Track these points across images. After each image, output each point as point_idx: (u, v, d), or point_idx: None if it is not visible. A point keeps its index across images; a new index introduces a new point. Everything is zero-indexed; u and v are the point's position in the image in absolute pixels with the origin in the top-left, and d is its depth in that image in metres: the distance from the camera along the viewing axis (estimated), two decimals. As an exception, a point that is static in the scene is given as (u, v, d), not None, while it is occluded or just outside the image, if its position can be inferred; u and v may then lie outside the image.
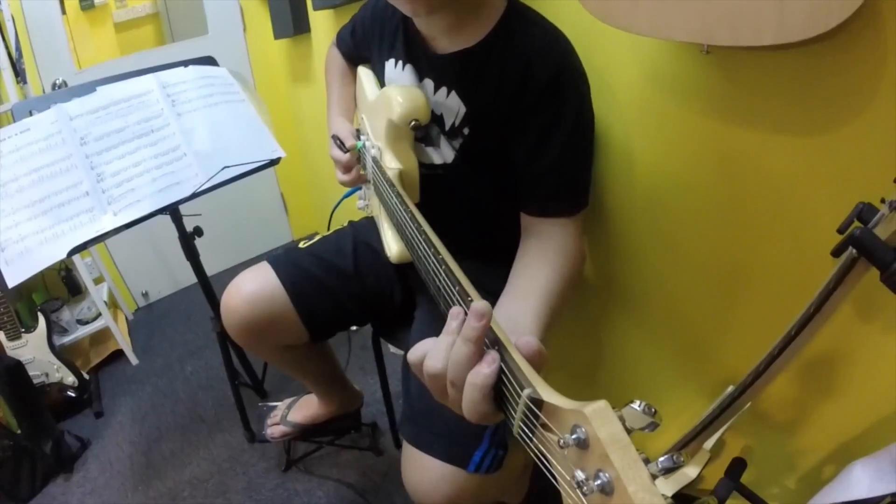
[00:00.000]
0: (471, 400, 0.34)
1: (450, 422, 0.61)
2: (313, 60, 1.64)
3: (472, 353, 0.34)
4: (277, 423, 1.13)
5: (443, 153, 0.68)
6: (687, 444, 0.59)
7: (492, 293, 0.54)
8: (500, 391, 0.34)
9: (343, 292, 0.81)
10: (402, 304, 0.84)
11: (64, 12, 1.54)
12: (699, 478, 0.65)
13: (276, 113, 1.13)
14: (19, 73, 1.41)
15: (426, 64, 0.66)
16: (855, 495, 0.42)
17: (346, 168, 0.76)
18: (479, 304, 0.34)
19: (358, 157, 0.77)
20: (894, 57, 0.41)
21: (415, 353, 0.39)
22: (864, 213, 0.40)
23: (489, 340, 0.35)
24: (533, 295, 0.53)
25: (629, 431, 0.24)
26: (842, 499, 0.43)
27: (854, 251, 0.38)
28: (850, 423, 0.56)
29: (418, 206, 0.54)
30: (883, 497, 0.40)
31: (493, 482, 0.61)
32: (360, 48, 0.82)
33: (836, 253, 0.40)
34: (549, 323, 0.51)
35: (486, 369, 0.33)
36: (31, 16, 1.46)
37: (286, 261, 0.81)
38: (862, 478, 0.42)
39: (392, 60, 0.71)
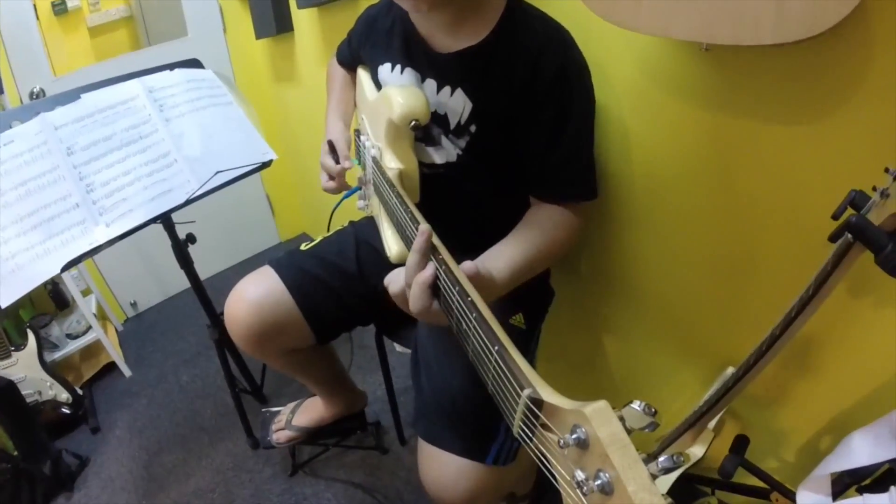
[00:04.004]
0: (413, 295, 0.46)
1: (464, 416, 0.62)
2: (297, 60, 1.62)
3: (418, 259, 0.46)
4: (282, 428, 1.13)
5: (445, 152, 0.68)
6: (693, 425, 0.62)
7: None
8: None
9: (348, 293, 0.81)
10: None
11: (37, 18, 1.48)
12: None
13: (260, 114, 1.11)
14: (-7, 83, 1.36)
15: (427, 64, 0.66)
16: (856, 463, 0.44)
17: (333, 177, 0.77)
18: (422, 225, 0.47)
19: (358, 158, 0.77)
20: (880, 54, 0.43)
21: (387, 279, 0.51)
22: (857, 199, 0.42)
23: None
24: (513, 244, 0.59)
25: (629, 431, 0.25)
26: (843, 467, 0.46)
27: (850, 236, 0.40)
28: (843, 395, 0.59)
29: (418, 205, 0.55)
30: (882, 463, 0.43)
31: (510, 473, 0.62)
32: (356, 57, 0.83)
33: (833, 238, 0.42)
34: (520, 268, 0.57)
35: (426, 272, 0.45)
36: (5, 22, 1.40)
37: (289, 264, 0.81)
38: (862, 446, 0.44)
39: (388, 64, 0.71)
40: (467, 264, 0.46)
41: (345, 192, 0.83)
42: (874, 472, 0.45)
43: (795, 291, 0.45)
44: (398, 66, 0.69)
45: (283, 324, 0.78)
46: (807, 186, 0.54)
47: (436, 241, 0.46)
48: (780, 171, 0.55)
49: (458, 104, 0.64)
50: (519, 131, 0.62)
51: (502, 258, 0.56)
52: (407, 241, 0.56)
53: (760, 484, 0.62)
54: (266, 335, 0.78)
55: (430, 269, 0.45)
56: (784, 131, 0.53)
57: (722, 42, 0.43)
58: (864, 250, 0.40)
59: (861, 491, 0.45)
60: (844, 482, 0.47)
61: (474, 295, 0.39)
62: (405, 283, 0.48)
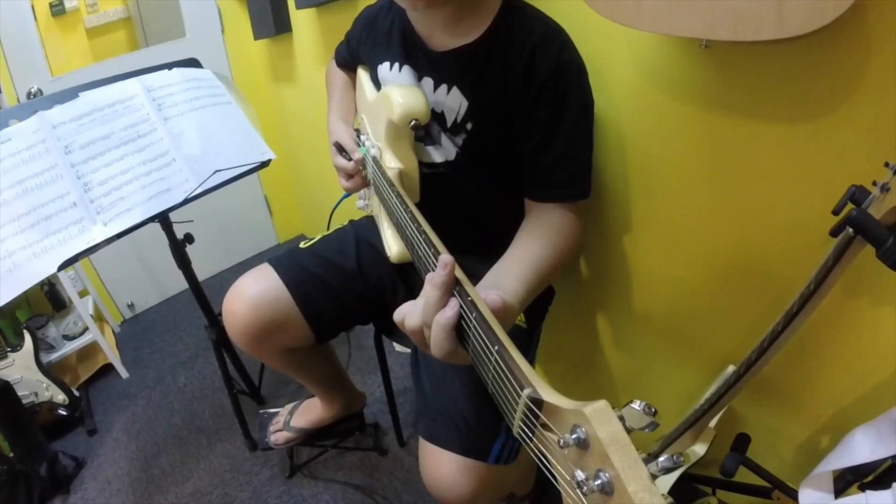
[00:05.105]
0: (436, 337, 0.40)
1: (466, 415, 0.62)
2: (296, 60, 1.62)
3: (440, 295, 0.39)
4: (280, 430, 1.13)
5: (444, 151, 0.68)
6: (693, 424, 0.62)
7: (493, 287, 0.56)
8: (462, 331, 0.40)
9: (347, 292, 0.81)
10: (405, 301, 0.84)
11: (35, 19, 1.48)
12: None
13: (258, 115, 1.11)
14: (-10, 83, 1.35)
15: (425, 62, 0.66)
16: (858, 460, 0.44)
17: (350, 175, 0.76)
18: (444, 256, 0.40)
19: (363, 163, 0.78)
20: (879, 50, 0.44)
21: (399, 313, 0.44)
22: (857, 194, 0.43)
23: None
24: (522, 260, 0.55)
25: (629, 431, 0.25)
26: (845, 464, 0.46)
27: (851, 231, 0.40)
28: (845, 392, 0.59)
29: (418, 205, 0.55)
30: (884, 460, 0.43)
31: (511, 472, 0.62)
32: (355, 58, 0.83)
33: (835, 233, 0.42)
34: (532, 286, 0.53)
35: (448, 311, 0.39)
36: (2, 23, 1.39)
37: (288, 262, 0.80)
38: (864, 443, 0.44)
39: (387, 63, 0.71)
40: (492, 297, 0.41)
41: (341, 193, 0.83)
42: (876, 468, 0.45)
43: (796, 288, 0.46)
44: (396, 65, 0.69)
45: (281, 322, 0.77)
46: (806, 182, 0.54)
47: (458, 272, 0.40)
48: (779, 167, 0.55)
49: (454, 102, 0.64)
50: (514, 130, 0.62)
51: (515, 280, 0.52)
52: (407, 241, 0.56)
53: (762, 482, 0.62)
54: (264, 333, 0.78)
55: (453, 307, 0.39)
56: (783, 128, 0.54)
57: (723, 38, 0.43)
58: (864, 245, 0.40)
59: (863, 488, 0.45)
60: (847, 479, 0.47)
61: (474, 295, 0.39)
62: (422, 320, 0.41)
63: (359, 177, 0.76)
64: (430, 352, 0.41)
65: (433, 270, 0.44)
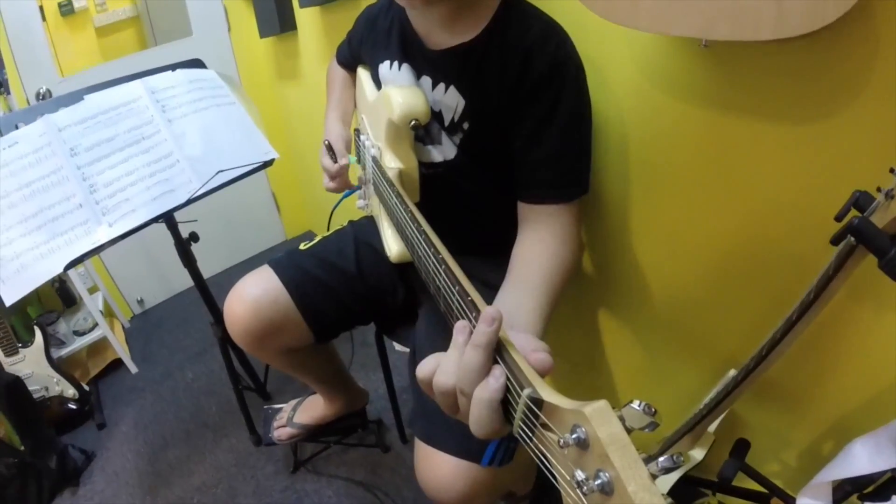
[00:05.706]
0: (479, 416, 0.33)
1: (461, 417, 0.62)
2: (300, 58, 1.62)
3: (483, 360, 0.33)
4: (284, 426, 1.14)
5: (444, 150, 0.68)
6: (692, 428, 0.61)
7: (493, 287, 0.56)
8: (504, 400, 0.33)
9: (346, 293, 0.81)
10: (405, 302, 0.85)
11: (44, 19, 1.50)
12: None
13: (264, 112, 1.12)
14: (2, 84, 1.38)
15: (423, 61, 0.66)
16: (856, 471, 0.44)
17: (332, 177, 0.77)
18: (490, 308, 0.34)
19: (358, 157, 0.78)
20: (885, 50, 0.42)
21: (423, 369, 0.38)
22: (861, 201, 0.41)
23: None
24: (531, 286, 0.54)
25: (629, 431, 0.25)
26: (844, 475, 0.45)
27: (852, 239, 0.39)
28: (846, 401, 0.58)
29: (418, 204, 0.55)
30: (884, 472, 0.42)
31: (506, 474, 0.62)
32: (356, 57, 0.83)
33: (835, 241, 0.41)
34: (548, 314, 0.52)
35: (494, 383, 0.32)
36: (10, 24, 1.41)
37: (288, 263, 0.81)
38: (862, 454, 0.44)
39: (387, 62, 0.71)
40: (543, 361, 0.34)
41: (344, 192, 0.84)
42: (876, 480, 0.44)
43: (799, 292, 0.45)
44: (396, 63, 0.69)
45: (281, 323, 0.78)
46: (809, 186, 0.52)
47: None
48: (781, 170, 0.54)
49: (451, 101, 0.64)
50: (509, 128, 0.61)
51: (530, 312, 0.50)
52: (407, 241, 0.56)
53: (761, 488, 0.61)
54: (264, 334, 0.79)
55: (499, 377, 0.32)
56: (785, 129, 0.52)
57: (722, 37, 0.42)
58: (867, 254, 0.39)
59: (863, 499, 0.45)
60: (845, 490, 0.46)
61: (474, 295, 0.38)
62: (456, 386, 0.35)
63: (341, 180, 0.77)
64: (472, 428, 0.35)
65: (434, 272, 0.42)
